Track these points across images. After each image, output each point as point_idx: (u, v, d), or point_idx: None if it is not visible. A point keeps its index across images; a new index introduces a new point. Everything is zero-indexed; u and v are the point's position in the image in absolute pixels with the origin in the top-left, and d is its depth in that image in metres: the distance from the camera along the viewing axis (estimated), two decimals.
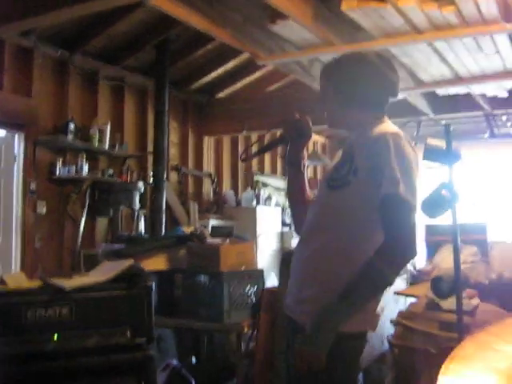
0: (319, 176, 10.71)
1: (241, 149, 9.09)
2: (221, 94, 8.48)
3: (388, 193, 1.92)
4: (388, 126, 2.13)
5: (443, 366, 0.88)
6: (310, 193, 2.40)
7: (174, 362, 4.35)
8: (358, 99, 2.14)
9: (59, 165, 6.16)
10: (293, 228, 2.43)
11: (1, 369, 2.30)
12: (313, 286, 2.05)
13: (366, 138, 2.07)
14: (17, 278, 2.51)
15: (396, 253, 1.92)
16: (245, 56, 7.07)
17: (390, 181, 1.92)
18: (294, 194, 2.40)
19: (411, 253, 1.94)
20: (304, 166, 2.37)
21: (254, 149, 2.75)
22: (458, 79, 6.36)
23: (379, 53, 2.24)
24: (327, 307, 1.93)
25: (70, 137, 6.16)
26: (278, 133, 2.38)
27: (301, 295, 2.09)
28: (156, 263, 3.86)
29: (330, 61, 2.29)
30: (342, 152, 2.19)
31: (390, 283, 1.96)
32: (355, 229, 2.03)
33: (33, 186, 5.96)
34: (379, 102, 2.18)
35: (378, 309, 4.07)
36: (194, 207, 7.95)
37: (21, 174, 5.93)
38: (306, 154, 2.37)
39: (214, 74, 7.89)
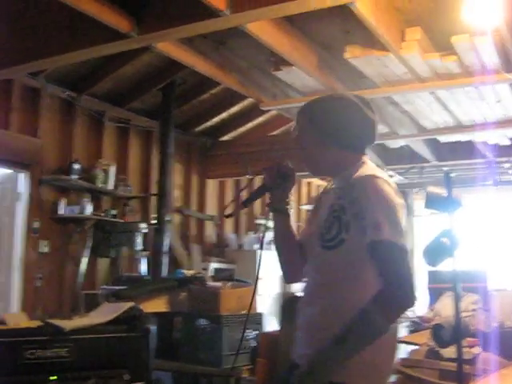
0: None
1: (244, 192, 9.11)
2: (225, 138, 8.56)
3: (373, 240, 1.87)
4: (367, 168, 2.07)
5: None
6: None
7: None
8: (340, 140, 2.07)
9: (63, 204, 6.19)
10: (282, 276, 2.38)
11: None
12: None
13: (350, 185, 2.01)
14: (17, 317, 2.51)
15: (392, 302, 1.85)
16: (249, 101, 7.17)
17: (372, 226, 1.87)
18: (283, 240, 2.31)
19: (409, 301, 1.86)
20: (289, 210, 2.30)
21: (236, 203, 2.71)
22: (460, 127, 6.42)
23: (358, 95, 2.16)
24: (321, 351, 1.90)
25: (75, 177, 6.20)
26: (261, 182, 2.30)
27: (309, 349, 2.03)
28: (156, 305, 3.85)
29: (310, 101, 2.20)
30: (329, 206, 2.10)
31: (384, 332, 1.87)
32: (358, 282, 1.99)
33: (36, 225, 5.98)
34: (360, 143, 2.12)
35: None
36: (195, 250, 7.95)
37: (24, 212, 5.95)
38: (291, 198, 2.30)
39: (218, 118, 7.99)
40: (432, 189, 2.88)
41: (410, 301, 1.86)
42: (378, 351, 1.94)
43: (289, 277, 2.39)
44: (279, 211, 2.27)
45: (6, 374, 2.31)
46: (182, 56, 4.77)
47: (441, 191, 2.89)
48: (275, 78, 5.16)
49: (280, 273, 2.37)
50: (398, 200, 1.96)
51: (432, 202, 2.85)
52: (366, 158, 2.12)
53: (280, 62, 4.80)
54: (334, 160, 2.10)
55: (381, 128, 6.56)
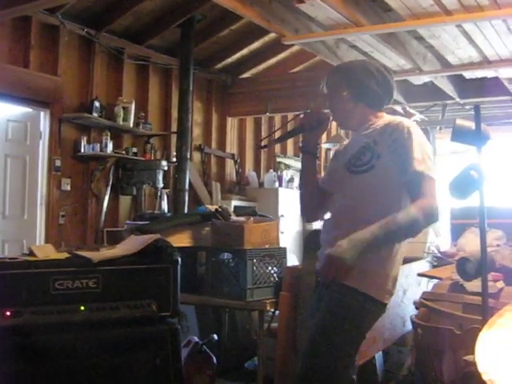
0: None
1: (264, 130, 9.08)
2: (245, 75, 8.46)
3: (416, 170, 2.25)
4: (398, 117, 2.46)
5: (482, 333, 0.88)
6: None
7: (196, 338, 4.37)
8: (368, 99, 2.47)
9: (84, 142, 6.21)
10: (302, 214, 2.71)
11: (28, 338, 2.33)
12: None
13: (383, 125, 2.40)
14: (45, 249, 2.53)
15: (430, 207, 2.22)
16: (270, 36, 7.05)
17: (416, 161, 2.25)
18: (309, 180, 2.61)
19: (436, 216, 2.24)
20: (318, 153, 2.62)
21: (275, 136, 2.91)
22: (486, 62, 6.28)
23: (382, 64, 2.60)
24: (365, 230, 2.20)
25: (95, 115, 6.19)
26: (297, 123, 2.61)
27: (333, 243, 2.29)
28: (180, 240, 3.86)
29: (344, 63, 2.67)
30: (358, 144, 2.44)
31: (419, 232, 2.28)
32: (383, 206, 2.31)
33: (58, 163, 6.01)
34: (382, 102, 2.52)
35: (401, 291, 4.07)
36: (216, 187, 7.97)
37: (46, 150, 5.98)
38: (321, 142, 2.56)
39: (238, 55, 7.88)
40: (460, 121, 2.83)
41: (438, 215, 2.25)
42: (391, 265, 2.34)
43: (308, 215, 2.72)
44: (310, 153, 2.57)
45: (38, 304, 2.35)
46: None
47: (469, 124, 2.84)
48: (298, 12, 5.05)
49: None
50: (425, 138, 2.38)
51: (460, 134, 2.81)
52: (384, 113, 2.53)
53: None
54: (360, 115, 2.49)
55: (404, 64, 6.44)
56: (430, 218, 2.24)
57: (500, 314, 0.87)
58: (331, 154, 10.84)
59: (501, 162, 9.07)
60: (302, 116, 2.59)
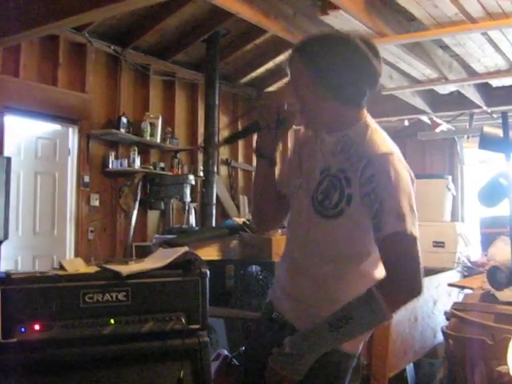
0: None
1: (290, 142, 9.08)
2: (270, 88, 8.48)
3: (393, 231, 1.70)
4: (378, 137, 1.84)
5: None
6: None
7: (225, 351, 4.37)
8: (340, 93, 1.80)
9: (112, 158, 6.28)
10: (253, 222, 2.18)
11: (59, 352, 2.35)
12: (314, 293, 1.90)
13: (359, 156, 1.79)
14: (75, 263, 2.56)
15: (401, 292, 1.72)
16: None
17: (394, 215, 1.70)
18: (263, 188, 2.08)
19: (418, 292, 1.71)
20: (276, 158, 2.05)
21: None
22: None
23: (364, 36, 1.87)
24: (315, 331, 1.77)
25: (123, 130, 6.26)
26: (253, 119, 2.05)
27: (298, 295, 1.94)
28: (208, 253, 3.87)
29: (309, 38, 1.88)
30: (323, 166, 1.89)
31: (387, 320, 1.76)
32: (353, 256, 1.87)
33: (86, 179, 6.08)
34: (360, 95, 1.84)
35: (431, 301, 4.03)
36: (243, 201, 7.99)
37: (75, 167, 6.06)
38: (280, 145, 2.04)
39: (263, 68, 7.91)
40: (488, 129, 2.82)
41: (419, 290, 1.71)
42: None
43: (259, 225, 2.33)
44: (265, 157, 2.03)
45: (67, 318, 2.36)
46: (226, 3, 4.70)
47: (497, 131, 2.82)
48: (322, 24, 5.07)
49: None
50: (410, 179, 1.79)
51: (487, 142, 2.79)
52: (366, 115, 1.89)
53: (326, 6, 4.70)
54: (331, 114, 1.85)
55: (429, 73, 6.41)
56: (399, 304, 1.76)
57: None
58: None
59: None
60: (258, 111, 2.04)
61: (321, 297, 1.87)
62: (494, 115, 8.03)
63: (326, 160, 1.89)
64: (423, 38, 5.19)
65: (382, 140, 1.84)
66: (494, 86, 7.13)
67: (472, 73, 6.40)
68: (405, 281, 1.71)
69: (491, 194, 2.69)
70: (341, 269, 1.87)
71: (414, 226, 1.71)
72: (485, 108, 7.62)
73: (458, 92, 7.14)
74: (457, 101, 7.54)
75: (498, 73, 6.39)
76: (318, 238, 1.89)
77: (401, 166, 1.76)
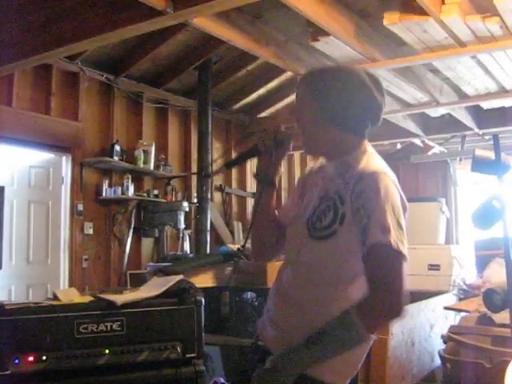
0: None
1: (282, 167, 9.07)
2: (263, 114, 8.52)
3: (377, 241, 1.69)
4: (372, 158, 1.89)
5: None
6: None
7: (222, 380, 4.33)
8: (343, 121, 1.87)
9: (105, 186, 6.28)
10: (251, 250, 2.19)
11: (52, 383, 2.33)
12: (294, 316, 1.89)
13: (352, 176, 1.83)
14: (69, 293, 2.55)
15: (380, 311, 1.70)
16: (286, 75, 7.11)
17: (379, 228, 1.70)
18: (263, 214, 2.09)
19: (398, 312, 1.69)
20: (276, 182, 2.08)
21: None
22: (502, 91, 6.28)
23: (369, 71, 1.93)
24: (293, 349, 1.77)
25: (116, 158, 6.27)
26: (252, 144, 2.10)
27: (282, 324, 1.93)
28: (203, 280, 3.87)
29: (314, 69, 1.98)
30: (322, 192, 1.93)
31: (365, 341, 1.76)
32: (341, 279, 1.85)
33: (80, 207, 6.07)
34: (363, 127, 1.91)
35: (428, 325, 4.02)
36: (238, 227, 7.98)
37: (68, 195, 6.05)
38: (280, 170, 2.08)
39: (256, 94, 7.96)
40: (480, 152, 2.83)
41: (399, 311, 1.69)
42: (351, 352, 1.81)
43: (257, 253, 2.23)
44: (264, 181, 2.05)
45: (62, 348, 2.35)
46: (218, 31, 4.74)
47: (489, 154, 2.84)
48: (313, 50, 5.10)
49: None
50: (400, 202, 1.80)
51: (479, 164, 2.81)
52: (366, 144, 1.94)
53: (317, 32, 4.74)
54: (333, 142, 1.90)
55: (420, 96, 6.46)
56: (377, 324, 1.77)
57: None
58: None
59: None
60: (256, 137, 2.07)
61: (304, 327, 1.82)
62: (486, 137, 8.08)
63: (325, 186, 1.93)
64: (413, 62, 5.22)
65: (377, 162, 1.88)
66: (484, 108, 7.18)
67: (463, 96, 6.44)
68: (385, 297, 1.68)
69: (485, 216, 2.70)
70: (326, 294, 1.85)
71: (401, 243, 1.71)
72: (476, 130, 7.66)
73: (450, 115, 7.19)
74: (448, 123, 7.59)
75: (488, 95, 6.44)
76: (307, 260, 1.89)
77: (391, 185, 1.78)
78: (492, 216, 2.70)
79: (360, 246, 1.74)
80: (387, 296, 1.68)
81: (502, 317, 3.20)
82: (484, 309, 3.34)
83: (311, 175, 2.07)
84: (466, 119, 7.36)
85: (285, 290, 1.96)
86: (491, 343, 3.18)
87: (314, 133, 1.91)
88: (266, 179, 2.04)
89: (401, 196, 1.81)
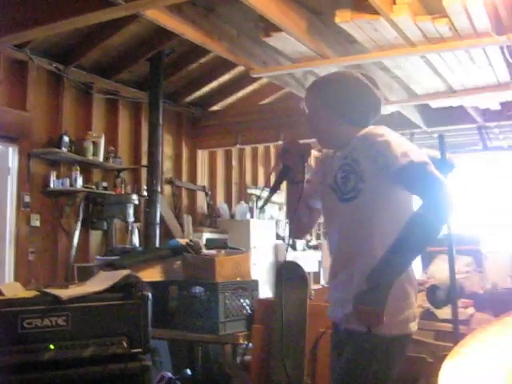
0: None
1: (234, 162, 9.12)
2: (215, 107, 8.51)
3: (402, 164, 2.01)
4: (375, 128, 2.21)
5: (446, 362, 0.89)
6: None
7: (169, 374, 4.33)
8: (348, 114, 2.23)
9: (53, 177, 6.16)
10: (290, 233, 2.44)
11: None
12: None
13: (359, 138, 2.16)
14: (13, 287, 2.50)
15: (441, 200, 1.96)
16: (239, 69, 7.11)
17: (399, 155, 2.02)
18: (296, 205, 2.37)
19: (452, 203, 1.97)
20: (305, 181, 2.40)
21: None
22: (450, 92, 6.40)
23: (364, 72, 2.33)
24: (380, 263, 1.99)
25: (64, 149, 6.16)
26: (281, 164, 2.42)
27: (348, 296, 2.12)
28: (151, 274, 3.85)
29: (319, 79, 2.38)
30: (338, 166, 2.23)
31: (439, 231, 1.99)
32: (387, 227, 2.11)
33: (26, 199, 5.94)
34: (366, 118, 2.26)
35: None
36: (188, 220, 7.95)
37: (15, 186, 5.91)
38: (307, 167, 2.39)
39: (207, 88, 7.93)
40: (426, 151, 2.89)
41: (452, 203, 1.97)
42: (403, 294, 2.12)
43: (297, 233, 2.59)
44: (299, 183, 2.36)
45: (6, 344, 2.31)
46: (170, 23, 4.70)
47: (435, 153, 2.90)
48: (265, 45, 5.12)
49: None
50: (397, 135, 2.15)
51: None
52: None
53: (269, 28, 4.75)
54: (344, 133, 2.23)
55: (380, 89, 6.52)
56: (442, 207, 1.98)
57: (463, 343, 0.88)
58: None
59: (469, 188, 9.23)
60: (281, 157, 2.37)
61: (362, 270, 2.09)
62: (434, 135, 8.22)
63: (340, 161, 2.24)
64: (364, 60, 5.28)
65: (377, 128, 2.20)
66: (433, 107, 7.31)
67: (412, 94, 6.54)
68: (438, 197, 1.96)
69: None
70: (368, 246, 2.13)
71: (418, 157, 2.03)
72: (425, 128, 7.80)
73: (399, 112, 7.30)
74: (398, 121, 7.68)
75: (436, 95, 6.56)
76: (344, 225, 2.21)
77: (393, 133, 2.15)
78: None
79: (392, 184, 2.08)
80: (432, 194, 1.97)
81: (444, 312, 3.28)
82: (427, 304, 3.42)
83: (326, 159, 2.39)
84: (415, 117, 7.49)
85: (340, 260, 2.24)
86: (434, 338, 3.26)
87: (327, 130, 2.28)
88: (300, 179, 2.35)
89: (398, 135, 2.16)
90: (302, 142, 2.36)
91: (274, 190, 2.38)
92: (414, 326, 2.19)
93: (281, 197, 9.86)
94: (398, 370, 2.19)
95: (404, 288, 2.14)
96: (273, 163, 9.91)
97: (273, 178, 2.44)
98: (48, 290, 2.47)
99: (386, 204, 2.12)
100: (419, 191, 2.02)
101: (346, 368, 2.16)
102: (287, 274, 3.73)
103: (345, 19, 4.46)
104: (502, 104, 7.01)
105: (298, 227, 2.49)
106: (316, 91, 2.30)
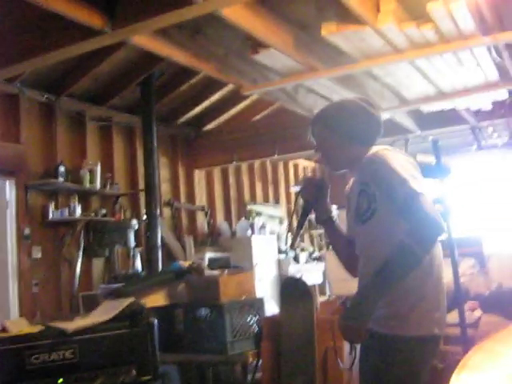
0: None
1: (232, 179, 9.12)
2: (208, 127, 8.52)
3: (400, 197, 2.11)
4: (375, 149, 2.34)
5: (453, 377, 0.89)
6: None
7: None
8: (357, 138, 2.38)
9: (52, 208, 6.16)
10: (349, 273, 2.59)
11: None
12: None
13: (365, 162, 2.30)
14: (18, 323, 2.49)
15: (423, 231, 2.06)
16: (230, 87, 7.13)
17: (396, 186, 2.12)
18: (338, 242, 2.56)
19: (438, 228, 2.06)
20: (333, 217, 2.55)
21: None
22: (441, 95, 6.42)
23: (362, 97, 2.49)
24: (366, 284, 2.16)
25: (61, 179, 6.16)
26: (300, 202, 2.59)
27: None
28: (156, 300, 3.84)
29: (321, 110, 2.50)
30: (356, 192, 2.37)
31: (420, 259, 2.06)
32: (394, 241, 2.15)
33: (27, 231, 5.94)
34: (373, 137, 2.41)
35: None
36: (189, 241, 7.94)
37: (14, 219, 5.91)
38: (330, 204, 2.54)
39: (200, 108, 7.94)
40: (421, 157, 2.91)
41: (438, 226, 2.06)
42: (421, 295, 2.21)
43: (353, 272, 2.53)
44: (327, 220, 2.54)
45: (13, 381, 2.30)
46: (157, 48, 4.73)
47: (430, 159, 2.91)
48: (254, 62, 5.13)
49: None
50: (410, 161, 2.27)
51: (422, 170, 2.86)
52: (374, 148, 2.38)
53: (257, 45, 4.78)
54: (353, 155, 2.39)
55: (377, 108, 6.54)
56: (424, 237, 2.08)
57: (470, 355, 0.88)
58: None
59: (466, 189, 9.23)
60: (300, 194, 2.55)
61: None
62: (429, 138, 8.23)
63: (356, 188, 2.40)
64: (353, 70, 5.30)
65: (377, 148, 2.34)
66: (425, 111, 7.33)
67: (403, 100, 6.56)
68: (423, 223, 2.06)
69: None
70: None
71: (412, 187, 2.10)
72: (418, 133, 7.82)
73: (392, 119, 7.31)
74: (391, 127, 7.70)
75: (427, 99, 6.58)
76: (362, 241, 2.35)
77: (388, 154, 2.25)
78: None
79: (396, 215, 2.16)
80: (416, 225, 2.07)
81: (451, 316, 3.26)
82: None
83: (349, 187, 2.52)
84: (408, 122, 7.52)
85: (360, 275, 2.38)
86: (443, 343, 3.24)
87: (338, 155, 2.43)
88: (326, 217, 2.52)
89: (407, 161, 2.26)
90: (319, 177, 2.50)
91: (299, 228, 2.52)
92: (437, 329, 2.24)
93: (280, 211, 9.90)
94: (425, 374, 2.22)
95: (426, 287, 2.22)
96: (270, 178, 9.93)
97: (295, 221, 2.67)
98: (53, 324, 2.47)
99: (396, 220, 2.17)
100: (407, 220, 2.10)
101: (372, 373, 2.24)
102: (290, 291, 3.72)
103: (331, 31, 4.49)
104: (494, 103, 7.03)
105: (349, 265, 2.53)
106: (322, 122, 2.44)
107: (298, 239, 9.11)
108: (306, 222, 2.59)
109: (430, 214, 2.06)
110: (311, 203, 2.51)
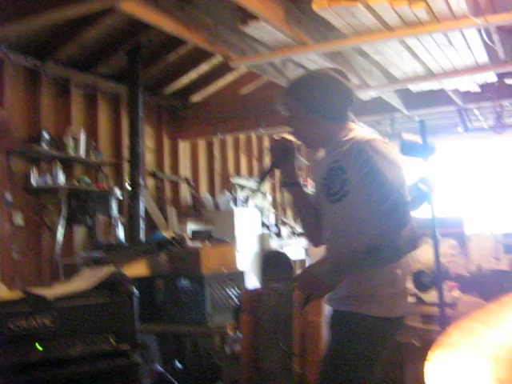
0: None
1: (216, 152, 9.10)
2: (195, 98, 8.46)
3: (384, 205, 2.14)
4: (362, 131, 2.34)
5: (429, 354, 0.89)
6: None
7: (159, 367, 4.32)
8: (328, 113, 2.33)
9: (34, 174, 6.10)
10: (308, 242, 2.82)
11: None
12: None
13: (348, 147, 2.24)
14: None
15: (401, 244, 2.11)
16: (218, 59, 7.07)
17: (384, 194, 2.15)
18: (302, 209, 2.53)
19: (413, 245, 2.16)
20: (301, 182, 2.56)
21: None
22: (430, 75, 6.41)
23: (334, 67, 2.57)
24: (340, 259, 2.21)
25: (44, 146, 6.10)
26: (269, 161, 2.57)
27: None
28: (137, 269, 3.84)
29: (293, 81, 2.45)
30: (327, 168, 2.33)
31: (391, 261, 2.17)
32: (363, 224, 2.23)
33: (8, 197, 5.89)
34: (343, 111, 2.37)
35: None
36: (172, 212, 7.93)
37: None
38: (299, 172, 2.52)
39: (187, 78, 7.87)
40: (407, 136, 2.90)
41: (413, 245, 2.17)
42: (392, 283, 2.23)
43: (314, 241, 2.58)
44: (293, 185, 2.50)
45: None
46: (146, 15, 4.67)
47: (416, 138, 2.91)
48: (243, 34, 5.09)
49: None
50: (396, 156, 2.27)
51: (407, 148, 2.88)
52: (351, 124, 2.38)
53: (247, 16, 4.73)
54: (325, 131, 2.35)
55: (351, 79, 6.52)
56: (399, 249, 2.15)
57: (447, 333, 0.88)
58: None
59: (451, 170, 9.28)
60: (270, 152, 2.54)
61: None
62: (415, 119, 8.25)
63: (329, 164, 2.33)
64: (342, 46, 5.28)
65: (363, 131, 2.34)
66: (413, 91, 7.32)
67: (392, 79, 6.55)
68: (390, 223, 2.12)
69: (412, 199, 2.77)
70: (351, 242, 2.24)
71: (401, 195, 2.16)
72: (405, 112, 7.82)
73: (380, 97, 7.30)
74: (379, 105, 7.69)
75: (416, 78, 6.57)
76: (332, 220, 2.33)
77: (379, 145, 2.22)
78: (419, 198, 2.78)
79: (368, 201, 2.18)
80: (386, 230, 2.12)
81: (430, 295, 3.30)
82: (414, 288, 3.44)
83: (318, 161, 2.49)
84: (395, 101, 7.51)
85: (326, 251, 2.41)
86: (421, 322, 3.28)
87: (308, 130, 2.38)
88: (291, 181, 2.50)
89: (393, 154, 2.24)
90: (289, 138, 2.46)
91: (262, 179, 2.61)
92: (398, 312, 2.26)
93: (264, 185, 9.89)
94: (386, 353, 2.25)
95: (394, 272, 2.23)
96: (255, 152, 9.91)
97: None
98: (32, 291, 2.46)
99: (368, 211, 2.20)
100: (388, 222, 2.13)
101: (333, 348, 2.29)
102: (271, 264, 3.74)
103: (322, 6, 4.44)
104: (482, 86, 7.04)
105: (314, 231, 2.51)
106: (290, 94, 2.39)
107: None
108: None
109: (412, 233, 2.12)
110: (276, 163, 2.48)
